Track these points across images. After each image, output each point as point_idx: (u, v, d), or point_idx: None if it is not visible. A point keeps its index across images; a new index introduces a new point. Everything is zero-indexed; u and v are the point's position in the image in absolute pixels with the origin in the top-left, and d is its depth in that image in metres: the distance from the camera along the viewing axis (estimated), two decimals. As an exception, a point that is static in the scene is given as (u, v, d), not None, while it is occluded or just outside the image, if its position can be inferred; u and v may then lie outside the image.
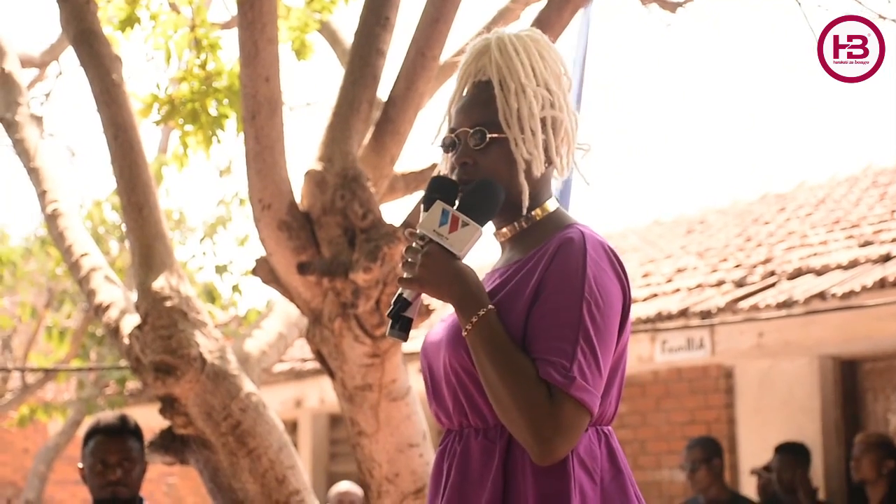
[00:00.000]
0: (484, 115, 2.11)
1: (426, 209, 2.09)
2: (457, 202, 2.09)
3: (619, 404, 2.08)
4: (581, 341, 1.95)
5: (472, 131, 2.11)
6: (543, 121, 2.11)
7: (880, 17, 3.93)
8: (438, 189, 2.10)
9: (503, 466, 2.00)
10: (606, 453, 2.02)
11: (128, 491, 4.00)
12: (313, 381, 9.12)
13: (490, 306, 2.00)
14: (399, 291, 2.10)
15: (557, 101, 2.12)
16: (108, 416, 4.14)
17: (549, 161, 2.13)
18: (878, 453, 6.07)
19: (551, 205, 2.15)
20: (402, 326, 2.09)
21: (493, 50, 2.12)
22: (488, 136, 2.10)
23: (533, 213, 2.13)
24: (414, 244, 2.07)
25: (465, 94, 2.17)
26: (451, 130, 2.16)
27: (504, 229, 2.15)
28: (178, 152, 4.92)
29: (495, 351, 1.97)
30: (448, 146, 2.16)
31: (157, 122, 4.90)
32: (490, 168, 2.10)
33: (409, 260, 2.05)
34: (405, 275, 2.06)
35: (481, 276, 2.12)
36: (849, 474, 6.65)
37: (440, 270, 2.03)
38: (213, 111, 4.82)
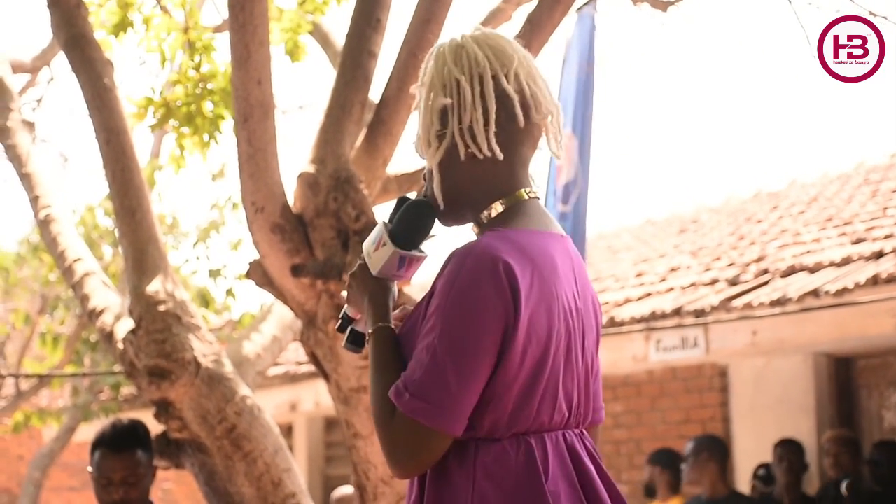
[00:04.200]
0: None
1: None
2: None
3: (561, 411, 2.02)
4: (430, 358, 1.94)
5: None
6: (443, 114, 2.09)
7: (871, 13, 3.93)
8: (398, 209, 2.17)
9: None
10: (524, 462, 1.97)
11: None
12: (308, 385, 9.12)
13: (381, 324, 2.08)
14: (344, 308, 2.24)
15: (454, 89, 2.08)
16: (113, 426, 3.89)
17: (471, 152, 2.06)
18: (798, 457, 6.25)
19: (500, 206, 2.09)
20: (355, 340, 2.20)
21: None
22: (418, 146, 2.16)
23: (489, 208, 2.09)
24: (357, 263, 2.19)
25: None
26: None
27: (473, 225, 2.15)
28: (175, 154, 4.92)
29: (372, 366, 2.06)
30: None
31: (153, 127, 4.90)
32: (427, 177, 2.16)
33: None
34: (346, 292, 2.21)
35: None
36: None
37: (358, 288, 2.16)
38: (208, 113, 4.82)
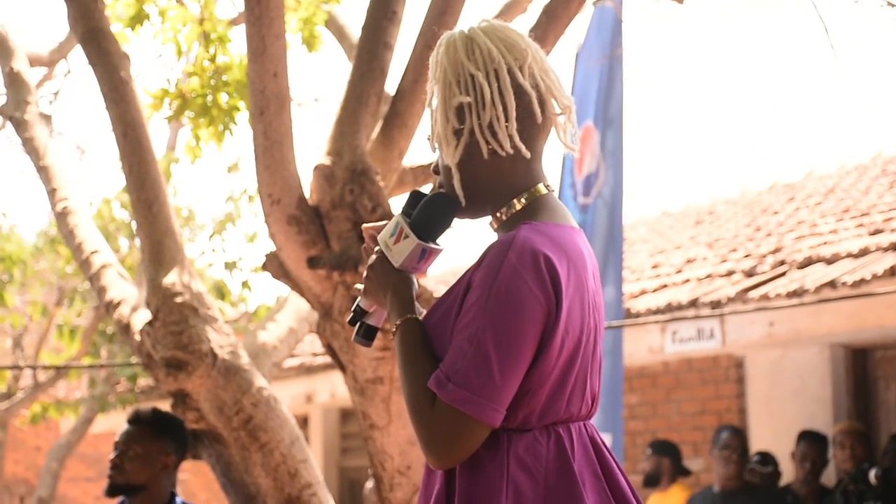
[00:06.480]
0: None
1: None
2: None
3: (587, 404, 2.05)
4: (473, 348, 1.94)
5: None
6: (460, 111, 2.07)
7: (889, 3, 3.91)
8: (412, 202, 2.16)
9: None
10: (555, 452, 2.00)
11: (121, 477, 4.04)
12: (324, 376, 9.14)
13: (409, 315, 2.07)
14: (357, 300, 2.23)
15: (471, 86, 2.06)
16: (140, 408, 4.24)
17: (493, 149, 2.06)
18: (821, 455, 6.21)
19: (527, 198, 2.09)
20: (366, 334, 2.23)
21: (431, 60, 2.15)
22: (434, 142, 2.15)
23: (509, 204, 2.09)
24: (373, 255, 2.17)
25: None
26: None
27: (492, 220, 2.15)
28: (191, 144, 4.93)
29: (403, 358, 2.05)
30: None
31: (169, 119, 4.91)
32: (442, 174, 2.15)
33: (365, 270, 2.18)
34: (360, 285, 2.20)
35: None
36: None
37: (378, 280, 2.14)
38: (224, 104, 4.83)
